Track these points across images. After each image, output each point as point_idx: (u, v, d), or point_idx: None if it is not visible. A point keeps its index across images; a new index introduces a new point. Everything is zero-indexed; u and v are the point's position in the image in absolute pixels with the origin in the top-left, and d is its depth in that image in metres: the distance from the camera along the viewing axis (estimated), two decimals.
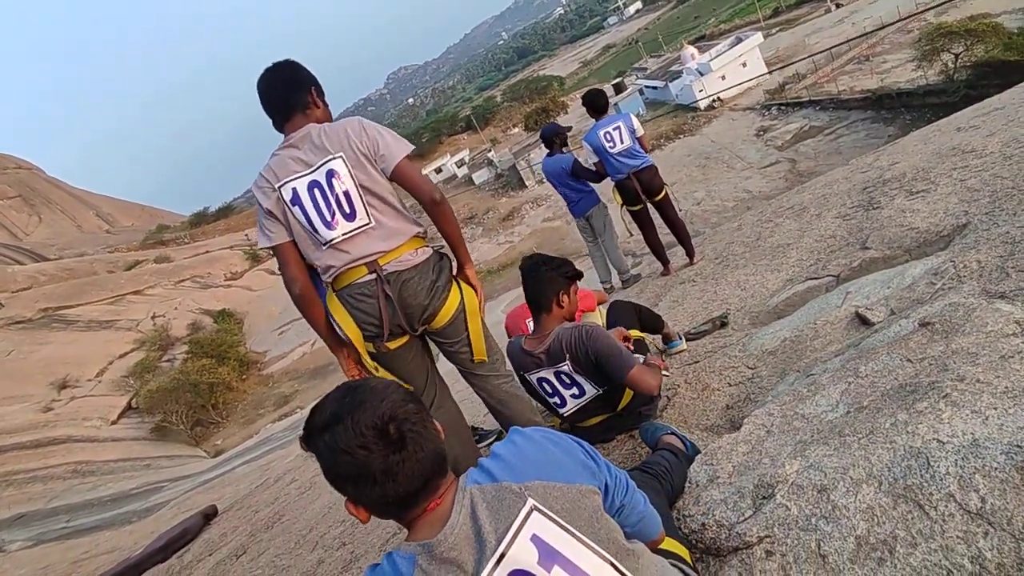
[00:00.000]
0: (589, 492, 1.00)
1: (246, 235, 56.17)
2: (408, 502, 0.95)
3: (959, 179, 2.95)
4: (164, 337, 36.41)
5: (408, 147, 1.96)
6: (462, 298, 2.07)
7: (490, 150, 59.11)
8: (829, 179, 4.71)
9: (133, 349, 34.82)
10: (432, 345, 2.23)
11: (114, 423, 27.49)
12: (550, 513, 0.93)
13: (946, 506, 1.13)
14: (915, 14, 30.55)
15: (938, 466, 1.19)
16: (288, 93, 1.97)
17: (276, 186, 1.88)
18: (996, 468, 1.13)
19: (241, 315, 41.12)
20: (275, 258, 2.00)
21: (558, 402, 2.23)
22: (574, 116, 40.18)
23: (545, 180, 5.73)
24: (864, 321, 2.18)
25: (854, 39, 32.86)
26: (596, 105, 4.56)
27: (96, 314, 37.55)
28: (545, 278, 2.17)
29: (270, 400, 29.77)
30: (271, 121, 2.00)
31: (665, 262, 4.84)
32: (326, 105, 2.05)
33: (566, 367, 2.11)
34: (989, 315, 1.59)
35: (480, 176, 55.46)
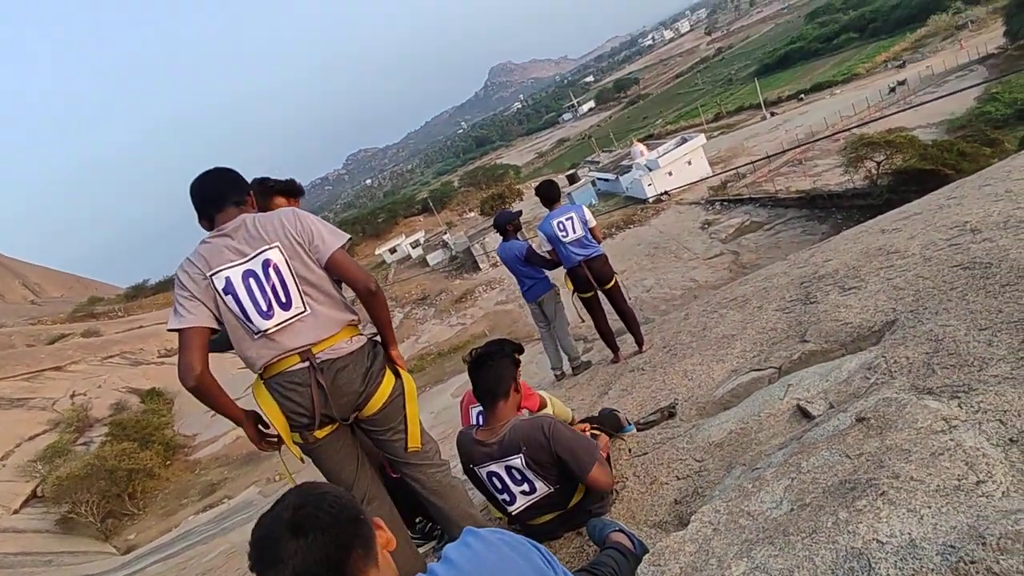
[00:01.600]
0: None
1: None
2: None
3: (886, 278, 3.15)
4: (82, 418, 33.51)
5: (343, 238, 1.96)
6: (398, 381, 2.04)
7: (446, 232, 60.12)
8: (769, 273, 4.95)
9: (46, 430, 31.99)
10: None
11: (16, 512, 24.82)
12: None
13: None
14: (844, 129, 33.67)
15: (879, 568, 1.18)
16: (226, 186, 1.96)
17: (208, 274, 1.83)
18: (932, 569, 1.13)
19: (172, 395, 38.23)
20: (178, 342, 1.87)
21: (507, 499, 2.15)
22: (528, 203, 41.59)
23: (500, 263, 5.86)
24: (805, 414, 2.23)
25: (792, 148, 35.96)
26: (549, 196, 4.72)
27: (9, 391, 34.70)
28: (501, 365, 2.14)
29: (195, 489, 27.54)
30: (197, 214, 1.95)
31: (615, 350, 4.90)
32: (255, 209, 2.03)
33: (518, 462, 2.05)
34: (919, 411, 1.66)
35: (434, 257, 56.04)
